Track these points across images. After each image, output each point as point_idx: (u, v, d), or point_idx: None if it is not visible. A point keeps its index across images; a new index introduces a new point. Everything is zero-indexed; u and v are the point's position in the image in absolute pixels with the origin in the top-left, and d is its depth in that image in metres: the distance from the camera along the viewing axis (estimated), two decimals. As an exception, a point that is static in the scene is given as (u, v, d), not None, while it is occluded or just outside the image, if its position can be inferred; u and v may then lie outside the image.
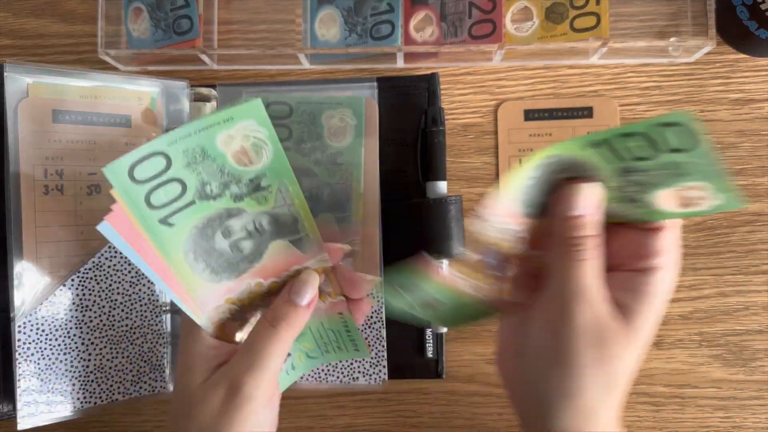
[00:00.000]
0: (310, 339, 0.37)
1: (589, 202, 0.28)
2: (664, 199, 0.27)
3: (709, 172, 0.25)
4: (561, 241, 0.28)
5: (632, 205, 0.28)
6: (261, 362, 0.30)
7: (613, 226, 0.29)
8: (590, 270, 0.28)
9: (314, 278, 0.32)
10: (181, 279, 0.30)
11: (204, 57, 0.45)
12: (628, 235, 0.29)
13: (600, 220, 0.28)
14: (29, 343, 0.39)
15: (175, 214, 0.28)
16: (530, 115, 0.46)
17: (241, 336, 0.34)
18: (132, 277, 0.42)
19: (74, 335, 0.40)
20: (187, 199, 0.27)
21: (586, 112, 0.46)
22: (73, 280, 0.40)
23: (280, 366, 0.32)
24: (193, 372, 0.32)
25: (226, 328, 0.33)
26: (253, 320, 0.34)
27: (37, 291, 0.40)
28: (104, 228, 0.26)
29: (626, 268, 0.29)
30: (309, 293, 0.32)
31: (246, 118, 0.26)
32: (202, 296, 0.31)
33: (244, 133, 0.26)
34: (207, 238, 0.29)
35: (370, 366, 0.43)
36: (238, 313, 0.33)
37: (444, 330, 0.44)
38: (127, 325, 0.42)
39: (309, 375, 0.44)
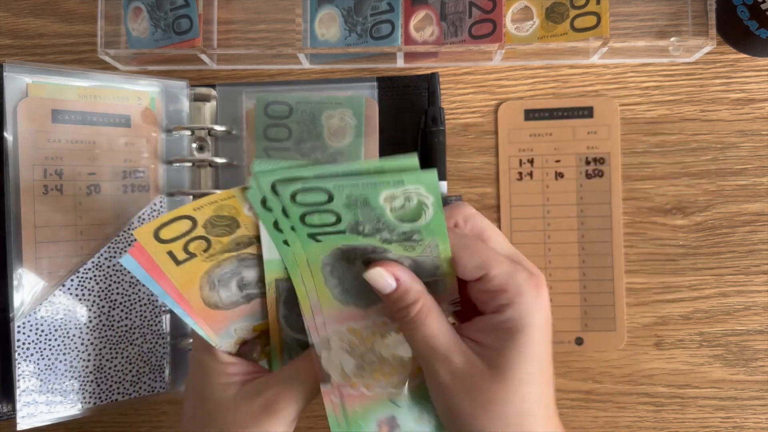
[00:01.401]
0: None
1: (392, 275, 0.28)
2: (399, 217, 0.27)
3: (370, 184, 0.26)
4: (394, 316, 0.29)
5: (413, 242, 0.28)
6: (305, 393, 0.31)
7: (458, 279, 0.30)
8: (429, 331, 0.28)
9: None
10: (305, 295, 0.31)
11: (204, 57, 0.45)
12: (472, 288, 0.29)
13: (415, 284, 0.29)
14: (29, 343, 0.39)
15: (325, 235, 0.28)
16: (530, 115, 0.46)
17: (255, 355, 0.35)
18: (131, 278, 0.42)
19: (74, 335, 0.40)
20: (339, 228, 0.28)
21: (587, 112, 0.46)
22: (72, 280, 0.40)
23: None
24: (214, 384, 0.32)
25: (244, 345, 0.34)
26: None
27: (37, 291, 0.39)
28: (127, 261, 0.28)
29: (487, 311, 0.29)
30: None
31: (417, 184, 0.26)
32: (326, 314, 0.31)
33: (408, 194, 0.26)
34: (348, 260, 0.29)
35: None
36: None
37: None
38: (126, 326, 0.42)
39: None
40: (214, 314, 0.31)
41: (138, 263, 0.28)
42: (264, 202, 0.27)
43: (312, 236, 0.28)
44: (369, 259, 0.29)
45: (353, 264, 0.30)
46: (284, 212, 0.28)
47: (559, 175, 0.46)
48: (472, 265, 0.28)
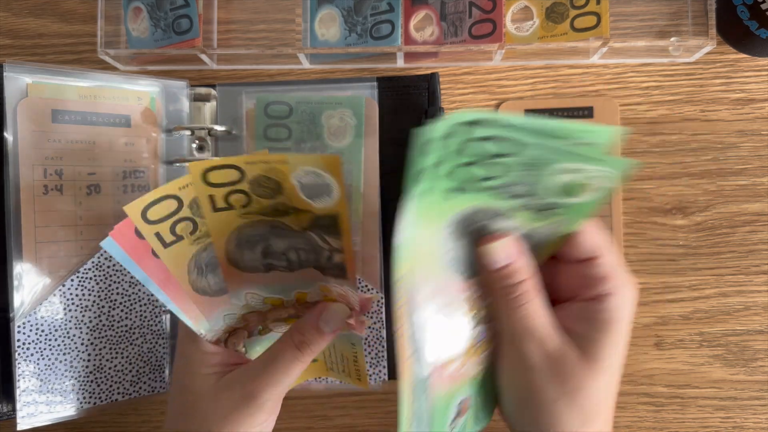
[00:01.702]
0: (319, 356, 0.37)
1: (507, 252, 0.29)
2: (559, 190, 0.27)
3: (561, 151, 0.25)
4: (497, 292, 0.29)
5: (548, 213, 0.28)
6: (281, 378, 0.31)
7: (556, 261, 0.30)
8: (531, 312, 0.28)
9: (345, 311, 0.33)
10: (424, 252, 0.28)
11: (204, 57, 0.45)
12: (570, 269, 0.30)
13: (526, 262, 0.29)
14: (29, 343, 0.39)
15: (473, 190, 0.27)
16: (531, 115, 0.46)
17: (240, 347, 0.35)
18: (131, 278, 0.42)
19: (74, 335, 0.40)
20: (494, 184, 0.26)
21: (587, 112, 0.46)
22: (72, 280, 0.40)
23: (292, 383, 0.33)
24: (196, 374, 0.32)
25: (231, 335, 0.34)
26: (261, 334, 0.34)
27: (37, 291, 0.39)
28: (108, 244, 0.28)
29: (580, 298, 0.29)
30: (337, 325, 0.33)
31: (611, 170, 0.25)
32: (438, 278, 0.29)
33: (591, 175, 0.26)
34: (467, 226, 0.29)
35: (370, 366, 0.43)
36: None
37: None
38: (126, 326, 0.42)
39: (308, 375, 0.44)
40: (202, 300, 0.31)
41: (119, 246, 0.27)
42: (446, 136, 0.25)
43: (460, 186, 0.27)
44: (483, 227, 0.29)
45: (469, 231, 0.29)
46: (458, 153, 0.25)
47: None
48: (588, 245, 0.29)
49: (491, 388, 0.32)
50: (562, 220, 0.28)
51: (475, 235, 0.29)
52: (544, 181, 0.26)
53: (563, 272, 0.30)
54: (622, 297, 0.28)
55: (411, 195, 0.25)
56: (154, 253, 0.29)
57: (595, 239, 0.29)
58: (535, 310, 0.28)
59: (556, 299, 0.30)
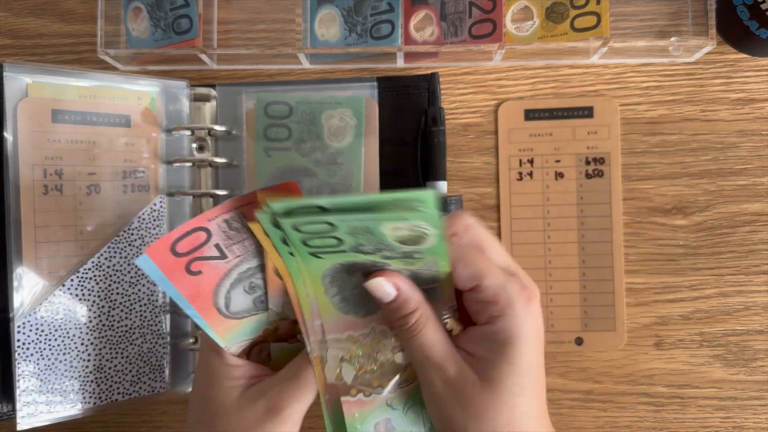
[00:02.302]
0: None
1: (392, 285, 0.29)
2: (399, 243, 0.27)
3: (370, 215, 0.25)
4: (393, 325, 0.30)
5: (412, 260, 0.28)
6: (306, 393, 0.32)
7: (456, 290, 0.30)
8: (426, 340, 0.29)
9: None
10: (305, 300, 0.31)
11: (204, 57, 0.45)
12: (466, 297, 0.30)
13: (412, 294, 0.29)
14: (29, 343, 0.39)
15: (327, 254, 0.29)
16: (531, 114, 0.46)
17: (263, 355, 0.34)
18: (131, 278, 0.42)
19: (74, 335, 0.40)
20: (341, 248, 0.28)
21: (587, 112, 0.46)
22: (72, 280, 0.40)
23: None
24: (219, 387, 0.32)
25: (251, 349, 0.34)
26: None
27: (37, 291, 0.39)
28: (143, 261, 0.28)
29: (479, 322, 0.29)
30: None
31: (421, 220, 0.26)
32: (326, 323, 0.31)
33: (412, 227, 0.26)
34: (349, 272, 0.30)
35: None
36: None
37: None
38: (126, 326, 0.42)
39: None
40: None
41: (154, 263, 0.28)
42: (275, 223, 0.28)
43: (313, 254, 0.29)
44: (369, 270, 0.29)
45: (353, 275, 0.30)
46: (285, 239, 0.28)
47: (559, 175, 0.46)
48: (466, 275, 0.29)
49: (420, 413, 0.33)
50: (428, 262, 0.28)
51: (362, 274, 0.30)
52: (382, 239, 0.27)
53: (465, 300, 0.30)
54: (514, 316, 0.28)
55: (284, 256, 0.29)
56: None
57: (473, 267, 0.29)
58: (430, 338, 0.29)
59: (465, 325, 0.31)
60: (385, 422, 0.32)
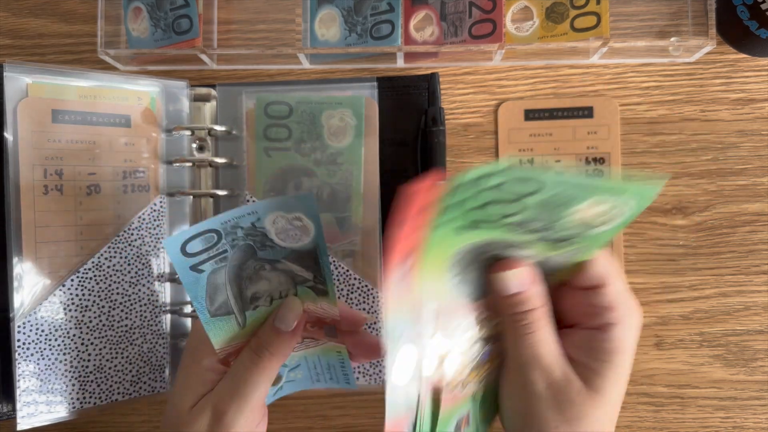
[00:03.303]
0: (303, 368, 0.37)
1: (521, 280, 0.29)
2: (579, 224, 0.27)
3: (586, 188, 0.25)
4: (507, 317, 0.29)
5: (565, 244, 0.28)
6: (244, 390, 0.30)
7: (562, 286, 0.30)
8: (539, 340, 0.28)
9: (297, 304, 0.32)
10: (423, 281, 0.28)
11: (204, 57, 0.45)
12: (577, 295, 0.30)
13: (539, 290, 0.29)
14: (29, 343, 0.39)
15: (488, 225, 0.27)
16: (531, 114, 0.46)
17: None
18: (131, 278, 0.42)
19: (74, 335, 0.40)
20: (510, 221, 0.26)
21: (587, 112, 0.46)
22: (72, 280, 0.40)
23: (265, 393, 0.31)
24: (185, 394, 0.32)
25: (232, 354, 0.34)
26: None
27: (37, 291, 0.39)
28: (168, 243, 0.28)
29: (584, 326, 0.29)
30: (292, 319, 0.31)
31: (631, 197, 0.25)
32: (441, 306, 0.29)
33: (614, 206, 0.26)
34: (478, 254, 0.29)
35: (370, 366, 0.43)
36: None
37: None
38: (126, 326, 0.42)
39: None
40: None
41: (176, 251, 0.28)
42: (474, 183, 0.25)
43: (474, 223, 0.26)
44: (498, 256, 0.29)
45: (479, 258, 0.29)
46: (456, 205, 0.25)
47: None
48: (596, 272, 0.28)
49: (492, 403, 0.32)
50: (578, 249, 0.28)
51: (487, 260, 0.29)
52: (563, 218, 0.26)
53: (570, 297, 0.30)
54: (626, 327, 0.28)
55: (433, 224, 0.26)
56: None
57: (604, 267, 0.29)
58: (544, 338, 0.29)
59: (560, 322, 0.30)
60: (467, 416, 0.31)
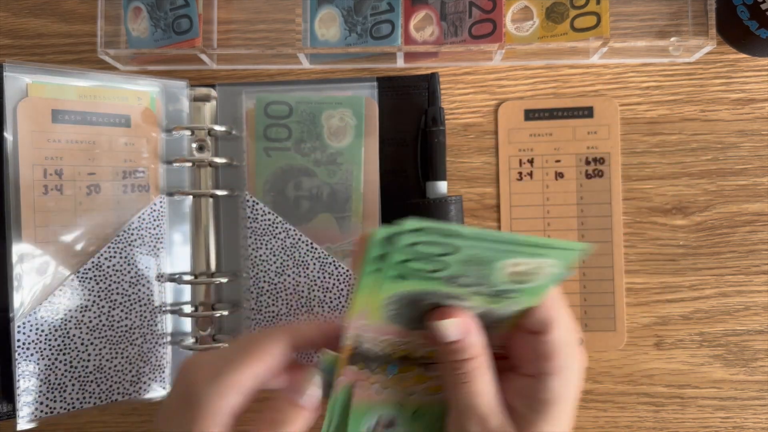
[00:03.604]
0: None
1: (458, 329, 0.27)
2: (510, 280, 0.26)
3: (501, 250, 0.24)
4: (444, 362, 0.28)
5: (502, 297, 0.27)
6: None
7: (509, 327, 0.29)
8: (475, 390, 0.28)
9: (319, 381, 0.29)
10: (357, 306, 0.28)
11: (204, 57, 0.45)
12: (521, 338, 0.29)
13: (477, 339, 0.28)
14: (29, 343, 0.39)
15: (416, 278, 0.27)
16: (531, 114, 0.46)
17: None
18: (132, 278, 0.42)
19: (74, 335, 0.40)
20: (437, 276, 0.26)
21: (587, 112, 0.46)
22: (72, 280, 0.40)
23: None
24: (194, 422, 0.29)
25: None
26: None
27: (37, 291, 0.39)
28: None
29: (524, 372, 0.28)
30: (313, 394, 0.29)
31: (558, 260, 0.25)
32: (371, 324, 0.29)
33: (538, 265, 0.25)
34: (415, 302, 0.28)
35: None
36: None
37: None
38: (126, 326, 0.42)
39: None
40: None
41: None
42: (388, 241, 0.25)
43: (400, 276, 0.27)
44: (437, 304, 0.28)
45: (418, 305, 0.28)
46: (384, 255, 0.26)
47: (559, 175, 0.46)
48: (539, 317, 0.28)
49: (433, 426, 0.31)
50: (518, 300, 0.27)
51: (427, 305, 0.28)
52: (492, 274, 0.25)
53: (517, 338, 0.29)
54: (565, 378, 0.27)
55: (362, 271, 0.26)
56: None
57: (548, 312, 0.28)
58: (480, 389, 0.28)
59: (510, 363, 0.30)
60: (389, 419, 0.31)
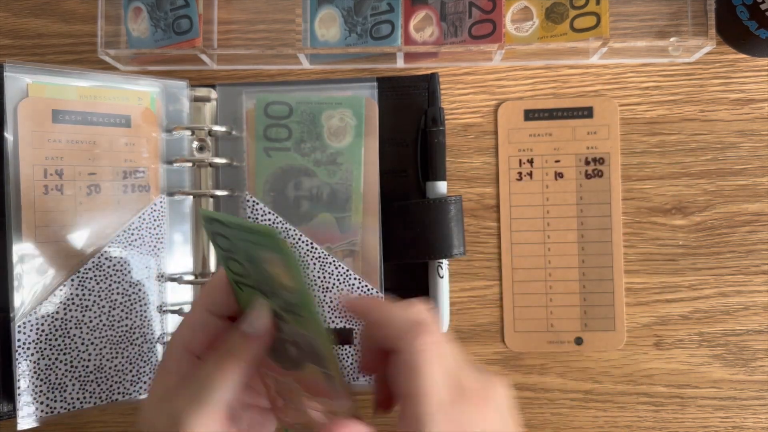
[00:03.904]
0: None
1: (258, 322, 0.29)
2: (278, 285, 0.26)
3: (246, 240, 0.24)
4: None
5: (294, 315, 0.27)
6: (204, 396, 0.27)
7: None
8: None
9: (265, 307, 0.29)
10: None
11: (204, 57, 0.45)
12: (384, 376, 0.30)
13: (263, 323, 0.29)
14: (29, 343, 0.39)
15: (245, 286, 0.28)
16: (530, 115, 0.46)
17: None
18: (132, 278, 0.42)
19: (74, 335, 0.40)
20: (248, 282, 0.27)
21: (586, 112, 0.46)
22: (72, 280, 0.40)
23: (228, 400, 0.28)
24: (156, 384, 0.30)
25: None
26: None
27: (37, 291, 0.40)
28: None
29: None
30: (257, 321, 0.29)
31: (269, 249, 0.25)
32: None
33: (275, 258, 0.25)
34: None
35: (370, 366, 0.43)
36: None
37: (444, 330, 0.44)
38: (126, 326, 0.42)
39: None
40: None
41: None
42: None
43: (237, 284, 0.28)
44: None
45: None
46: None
47: (559, 175, 0.46)
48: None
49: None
50: (311, 332, 0.27)
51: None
52: (262, 274, 0.26)
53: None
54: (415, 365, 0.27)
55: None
56: None
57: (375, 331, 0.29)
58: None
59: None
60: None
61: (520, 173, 0.46)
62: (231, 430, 0.29)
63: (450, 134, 0.46)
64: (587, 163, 0.46)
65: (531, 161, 0.46)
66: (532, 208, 0.46)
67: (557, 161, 0.46)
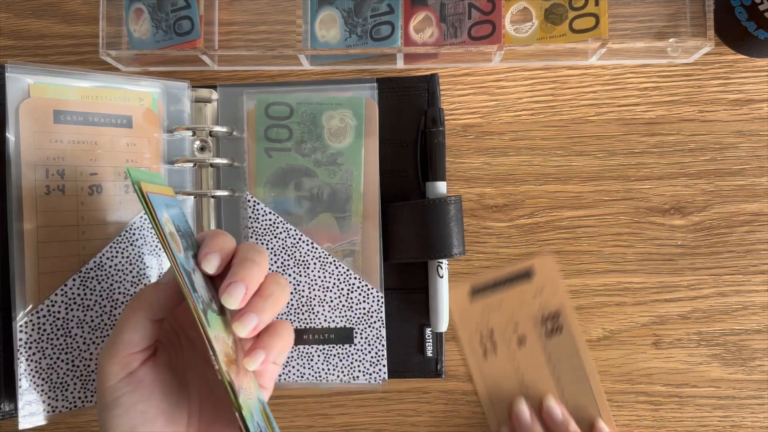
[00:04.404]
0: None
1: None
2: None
3: None
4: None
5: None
6: (113, 339, 0.33)
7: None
8: None
9: (173, 262, 0.32)
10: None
11: (205, 58, 0.45)
12: None
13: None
14: (30, 342, 0.39)
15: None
16: (477, 292, 0.45)
17: None
18: (134, 277, 0.42)
19: (75, 335, 0.41)
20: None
21: (527, 275, 0.45)
22: (74, 279, 0.41)
23: (135, 341, 0.32)
24: (107, 344, 0.34)
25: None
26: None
27: (39, 291, 0.40)
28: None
29: None
30: (166, 274, 0.33)
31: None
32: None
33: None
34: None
35: (370, 365, 0.44)
36: None
37: (444, 329, 0.44)
38: (128, 325, 0.42)
39: (309, 374, 0.44)
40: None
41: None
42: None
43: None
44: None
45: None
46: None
47: (522, 342, 0.45)
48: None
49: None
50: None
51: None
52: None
53: None
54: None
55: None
56: None
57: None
58: None
59: None
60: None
61: (484, 350, 0.45)
62: (133, 364, 0.33)
63: (450, 135, 0.47)
64: (544, 322, 0.45)
65: (491, 335, 0.45)
66: (506, 379, 0.45)
67: (516, 327, 0.45)
